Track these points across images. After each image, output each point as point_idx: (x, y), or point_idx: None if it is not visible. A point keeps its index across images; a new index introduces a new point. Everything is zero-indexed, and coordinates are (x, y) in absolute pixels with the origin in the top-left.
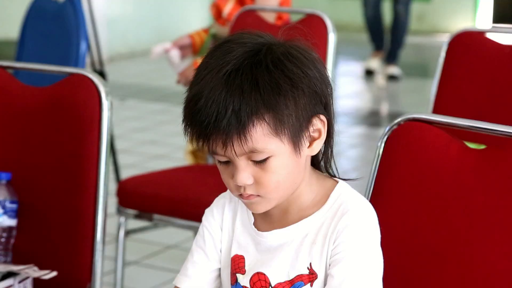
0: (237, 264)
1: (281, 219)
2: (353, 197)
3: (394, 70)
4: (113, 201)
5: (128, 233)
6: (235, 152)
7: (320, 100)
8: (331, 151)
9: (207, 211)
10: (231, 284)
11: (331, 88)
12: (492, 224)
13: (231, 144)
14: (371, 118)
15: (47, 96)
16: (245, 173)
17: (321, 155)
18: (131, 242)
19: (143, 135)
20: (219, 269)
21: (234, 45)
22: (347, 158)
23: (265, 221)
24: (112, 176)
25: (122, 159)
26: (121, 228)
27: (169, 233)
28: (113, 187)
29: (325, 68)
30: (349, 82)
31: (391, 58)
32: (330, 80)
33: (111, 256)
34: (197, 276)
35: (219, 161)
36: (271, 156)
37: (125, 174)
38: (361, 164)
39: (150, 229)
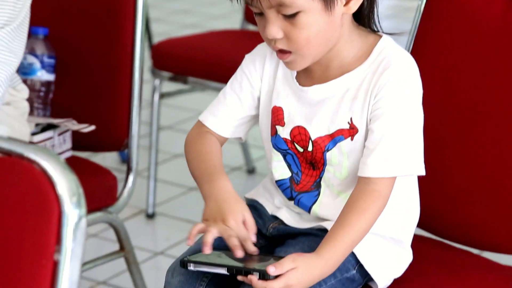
0: (276, 116)
1: (323, 75)
2: (396, 51)
3: None
4: (146, 67)
5: (162, 96)
6: (261, 4)
7: None
8: (374, 7)
9: (247, 57)
10: (271, 136)
11: None
12: None
13: None
14: None
15: None
16: (274, 26)
17: (365, 10)
18: (165, 108)
19: (175, 4)
20: (250, 116)
21: None
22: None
23: (307, 76)
24: (144, 43)
25: (154, 27)
26: (156, 90)
27: (202, 99)
28: (146, 54)
29: None
30: None
31: None
32: None
33: (146, 121)
34: (225, 118)
35: (255, 13)
36: (301, 11)
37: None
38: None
39: (184, 93)
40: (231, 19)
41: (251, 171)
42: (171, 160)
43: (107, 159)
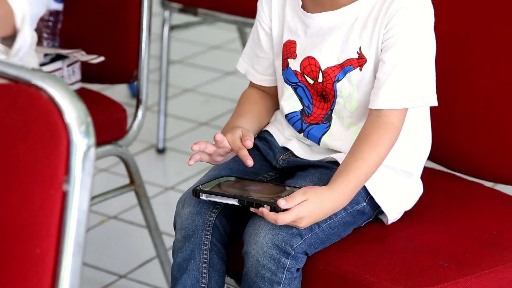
0: (289, 49)
1: (331, 1)
2: None
3: None
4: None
5: (172, 28)
6: None
7: None
8: None
9: (258, 3)
10: (282, 70)
11: None
12: None
13: None
14: None
15: None
16: None
17: None
18: (175, 42)
19: None
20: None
21: None
22: None
23: (315, 3)
24: None
25: None
26: (165, 23)
27: (213, 33)
28: None
29: None
30: None
31: None
32: None
33: (156, 55)
34: (260, 69)
35: None
36: None
37: None
38: None
39: (194, 25)
40: None
41: None
42: (181, 95)
43: (117, 93)
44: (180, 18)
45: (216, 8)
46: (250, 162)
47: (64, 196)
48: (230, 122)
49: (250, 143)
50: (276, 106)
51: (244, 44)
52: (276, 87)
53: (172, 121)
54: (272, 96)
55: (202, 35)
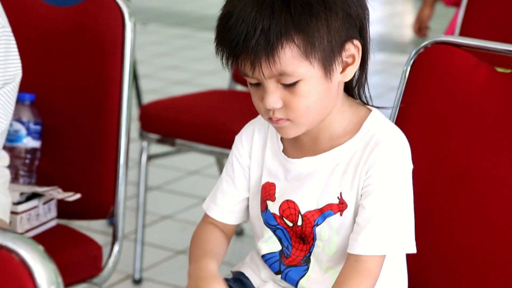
0: (268, 191)
1: (312, 146)
2: (386, 127)
3: None
4: (135, 126)
5: (150, 158)
6: (263, 74)
7: (355, 24)
8: (365, 77)
9: (236, 137)
10: (261, 211)
11: (368, 12)
12: None
13: (259, 65)
14: (395, 45)
15: (71, 16)
16: (274, 96)
17: (354, 81)
18: (153, 167)
19: (165, 60)
20: (248, 198)
21: None
22: (370, 85)
23: (296, 148)
24: (134, 101)
25: (143, 84)
26: (143, 152)
27: (191, 158)
28: (135, 112)
29: None
30: (372, 8)
31: None
32: (367, 3)
33: (133, 181)
34: (225, 205)
35: (250, 83)
36: (301, 80)
37: (146, 99)
38: (385, 91)
39: (172, 154)
40: (221, 75)
41: (239, 233)
42: (158, 222)
43: (94, 221)
44: (158, 146)
45: (193, 139)
46: None
47: None
48: (201, 265)
49: None
50: (227, 245)
51: (221, 169)
52: (232, 226)
53: (149, 250)
54: (226, 236)
55: (180, 161)
